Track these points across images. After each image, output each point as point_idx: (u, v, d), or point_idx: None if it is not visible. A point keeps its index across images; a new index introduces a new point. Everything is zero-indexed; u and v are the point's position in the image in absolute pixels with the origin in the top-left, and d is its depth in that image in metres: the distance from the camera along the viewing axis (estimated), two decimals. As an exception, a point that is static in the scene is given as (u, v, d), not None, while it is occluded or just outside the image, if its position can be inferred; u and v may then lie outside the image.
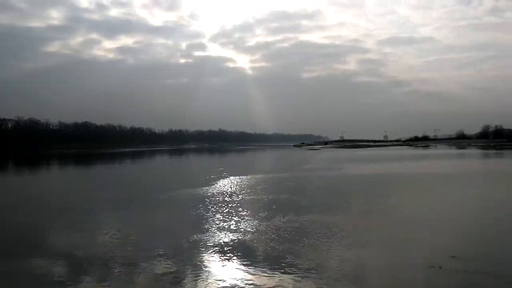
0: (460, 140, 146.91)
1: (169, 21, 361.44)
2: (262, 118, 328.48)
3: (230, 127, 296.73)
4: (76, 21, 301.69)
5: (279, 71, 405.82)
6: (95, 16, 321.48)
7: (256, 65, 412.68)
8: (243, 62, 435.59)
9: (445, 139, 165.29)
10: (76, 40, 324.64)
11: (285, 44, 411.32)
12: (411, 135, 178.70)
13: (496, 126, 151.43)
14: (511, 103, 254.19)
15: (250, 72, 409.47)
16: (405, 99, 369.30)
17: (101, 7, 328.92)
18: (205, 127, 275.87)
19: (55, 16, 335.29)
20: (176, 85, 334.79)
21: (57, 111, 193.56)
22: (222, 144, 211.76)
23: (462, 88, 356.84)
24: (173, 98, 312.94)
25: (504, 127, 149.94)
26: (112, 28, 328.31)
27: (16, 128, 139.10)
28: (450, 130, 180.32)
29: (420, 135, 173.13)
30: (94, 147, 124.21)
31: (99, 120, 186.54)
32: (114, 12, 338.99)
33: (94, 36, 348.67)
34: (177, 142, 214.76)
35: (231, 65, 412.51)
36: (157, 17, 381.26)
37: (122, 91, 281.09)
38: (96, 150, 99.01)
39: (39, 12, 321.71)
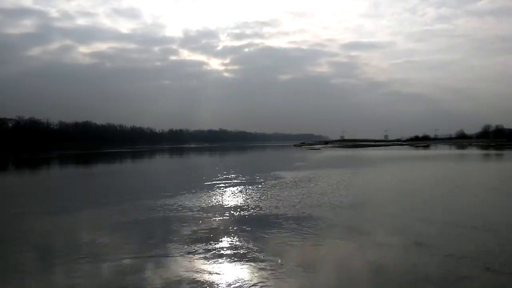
0: (461, 139, 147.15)
1: (136, 29, 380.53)
2: (260, 118, 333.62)
3: (230, 127, 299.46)
4: (48, 28, 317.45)
5: (254, 73, 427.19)
6: (65, 24, 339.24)
7: (230, 68, 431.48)
8: (217, 65, 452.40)
9: (446, 138, 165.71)
10: (53, 45, 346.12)
11: (252, 49, 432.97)
12: (412, 134, 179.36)
13: (497, 126, 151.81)
14: (510, 103, 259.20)
15: (227, 74, 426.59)
16: (388, 99, 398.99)
17: (67, 16, 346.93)
18: (205, 126, 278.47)
19: (29, 24, 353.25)
20: (159, 87, 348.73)
21: (46, 110, 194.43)
22: (222, 143, 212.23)
23: (438, 89, 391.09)
24: (158, 99, 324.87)
25: (505, 126, 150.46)
26: (84, 34, 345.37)
27: (16, 128, 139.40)
28: (451, 130, 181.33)
29: (420, 134, 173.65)
30: (95, 147, 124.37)
31: (99, 120, 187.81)
32: (81, 21, 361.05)
33: (68, 42, 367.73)
34: (178, 141, 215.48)
35: (207, 67, 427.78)
36: (122, 25, 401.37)
37: (102, 92, 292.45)
38: (96, 150, 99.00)
39: (13, 22, 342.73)
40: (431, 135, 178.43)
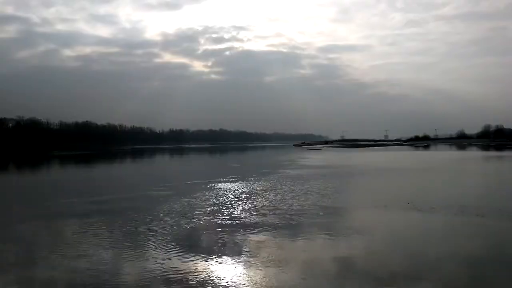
0: (461, 139, 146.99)
1: (117, 33, 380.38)
2: (260, 118, 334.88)
3: (230, 127, 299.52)
4: (31, 33, 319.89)
5: (240, 75, 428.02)
6: (46, 29, 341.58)
7: (216, 69, 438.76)
8: (202, 67, 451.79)
9: (446, 138, 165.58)
10: (39, 49, 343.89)
11: (233, 52, 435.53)
12: (412, 134, 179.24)
13: (497, 126, 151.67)
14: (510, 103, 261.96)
15: (214, 76, 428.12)
16: (376, 100, 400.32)
17: (47, 21, 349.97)
18: (206, 126, 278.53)
19: (12, 30, 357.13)
20: (149, 87, 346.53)
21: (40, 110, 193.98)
22: (222, 143, 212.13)
23: (423, 90, 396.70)
24: (151, 99, 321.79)
25: (505, 126, 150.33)
26: (66, 39, 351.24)
27: (17, 128, 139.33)
28: (451, 130, 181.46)
29: (420, 134, 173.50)
30: (94, 147, 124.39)
31: (99, 120, 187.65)
32: (61, 27, 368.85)
33: (52, 46, 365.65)
34: (178, 141, 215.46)
35: (194, 69, 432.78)
36: (102, 30, 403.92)
37: (91, 93, 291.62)
38: (96, 150, 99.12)
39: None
40: (431, 135, 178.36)
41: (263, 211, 12.88)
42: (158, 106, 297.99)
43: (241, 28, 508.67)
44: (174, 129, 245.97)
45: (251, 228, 10.47)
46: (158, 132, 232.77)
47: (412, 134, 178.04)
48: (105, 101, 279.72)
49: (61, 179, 28.43)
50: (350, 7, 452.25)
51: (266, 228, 10.44)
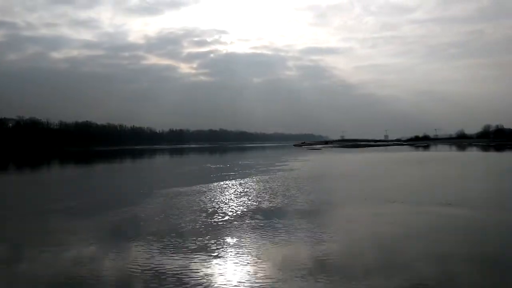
0: (461, 139, 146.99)
1: (101, 37, 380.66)
2: (260, 118, 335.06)
3: (229, 127, 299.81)
4: (18, 37, 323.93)
5: (227, 76, 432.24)
6: (32, 33, 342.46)
7: (202, 71, 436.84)
8: (188, 69, 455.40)
9: (446, 138, 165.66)
10: (27, 52, 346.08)
11: (218, 54, 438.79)
12: (412, 134, 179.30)
13: (497, 126, 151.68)
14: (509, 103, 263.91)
15: (203, 77, 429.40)
16: (365, 101, 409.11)
17: (32, 26, 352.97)
18: (205, 126, 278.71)
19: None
20: (139, 89, 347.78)
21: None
22: (222, 143, 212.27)
23: (409, 91, 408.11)
24: (143, 100, 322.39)
25: (505, 126, 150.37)
26: (52, 43, 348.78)
27: (17, 128, 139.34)
28: (451, 130, 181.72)
29: (420, 134, 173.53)
30: (95, 147, 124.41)
31: (99, 120, 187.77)
32: (45, 31, 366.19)
33: (39, 48, 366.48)
34: (178, 141, 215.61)
35: (182, 71, 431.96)
36: (86, 35, 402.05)
37: (81, 94, 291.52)
38: (95, 149, 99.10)
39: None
40: (431, 135, 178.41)
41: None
42: (148, 106, 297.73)
43: (222, 32, 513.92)
44: (174, 129, 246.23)
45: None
46: (158, 132, 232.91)
47: (411, 134, 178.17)
48: (95, 101, 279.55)
49: None
50: (326, 11, 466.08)
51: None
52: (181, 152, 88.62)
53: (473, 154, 57.57)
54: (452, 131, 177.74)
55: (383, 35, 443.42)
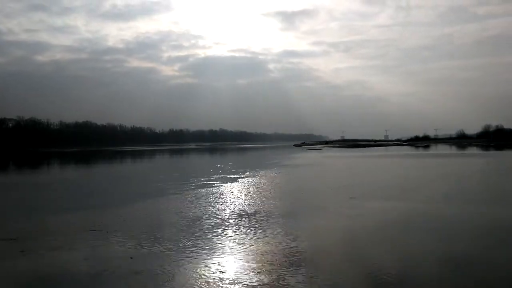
0: (461, 139, 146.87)
1: (81, 42, 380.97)
2: (260, 118, 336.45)
3: (230, 127, 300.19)
4: (0, 42, 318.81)
5: (212, 78, 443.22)
6: (13, 38, 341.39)
7: (183, 73, 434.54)
8: (172, 72, 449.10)
9: (446, 138, 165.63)
10: (11, 55, 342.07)
11: (197, 57, 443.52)
12: (412, 134, 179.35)
13: (497, 126, 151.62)
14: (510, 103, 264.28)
15: (190, 80, 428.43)
16: (353, 102, 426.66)
17: (12, 32, 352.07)
18: (204, 126, 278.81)
19: None
20: (124, 90, 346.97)
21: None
22: (222, 143, 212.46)
23: (393, 92, 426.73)
24: (136, 101, 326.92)
25: (505, 126, 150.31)
26: (34, 47, 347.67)
27: (17, 128, 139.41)
28: (451, 130, 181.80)
29: (420, 134, 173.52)
30: (95, 147, 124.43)
31: (99, 120, 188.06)
32: (25, 36, 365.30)
33: (22, 52, 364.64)
34: (178, 141, 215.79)
35: (166, 73, 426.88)
36: (64, 40, 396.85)
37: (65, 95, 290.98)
38: (95, 149, 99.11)
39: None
40: (431, 135, 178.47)
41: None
42: (135, 107, 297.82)
43: (198, 37, 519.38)
44: (174, 129, 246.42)
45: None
46: (158, 132, 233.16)
47: (412, 134, 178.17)
48: (82, 103, 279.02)
49: None
50: (293, 16, 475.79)
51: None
52: (181, 152, 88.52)
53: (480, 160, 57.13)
54: (452, 131, 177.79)
55: (353, 39, 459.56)
